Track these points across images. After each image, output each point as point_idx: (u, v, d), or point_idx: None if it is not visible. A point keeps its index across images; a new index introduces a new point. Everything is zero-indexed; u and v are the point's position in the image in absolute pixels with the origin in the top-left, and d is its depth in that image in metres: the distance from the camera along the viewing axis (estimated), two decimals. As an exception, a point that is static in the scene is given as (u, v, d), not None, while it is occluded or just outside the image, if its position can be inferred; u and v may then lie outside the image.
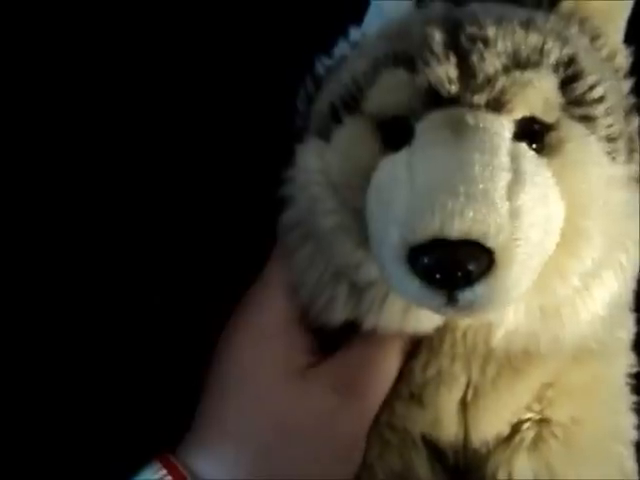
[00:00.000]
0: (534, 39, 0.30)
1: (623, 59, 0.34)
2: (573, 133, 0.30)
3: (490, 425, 0.34)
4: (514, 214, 0.27)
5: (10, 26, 0.43)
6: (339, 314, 0.33)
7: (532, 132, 0.29)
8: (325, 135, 0.33)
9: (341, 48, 0.35)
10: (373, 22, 0.35)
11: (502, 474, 0.34)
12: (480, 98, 0.29)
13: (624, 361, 0.36)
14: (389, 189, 0.29)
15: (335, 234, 0.32)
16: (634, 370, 0.36)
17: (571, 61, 0.30)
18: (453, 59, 0.29)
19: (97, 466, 0.40)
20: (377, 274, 0.31)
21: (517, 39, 0.30)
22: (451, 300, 0.27)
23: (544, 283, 0.30)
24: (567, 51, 0.30)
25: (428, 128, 0.29)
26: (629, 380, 0.36)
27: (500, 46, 0.29)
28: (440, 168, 0.28)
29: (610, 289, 0.31)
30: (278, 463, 0.34)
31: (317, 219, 0.32)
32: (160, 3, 0.44)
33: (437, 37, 0.30)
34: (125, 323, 0.43)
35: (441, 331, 0.33)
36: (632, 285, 0.33)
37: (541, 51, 0.30)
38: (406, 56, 0.30)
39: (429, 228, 0.26)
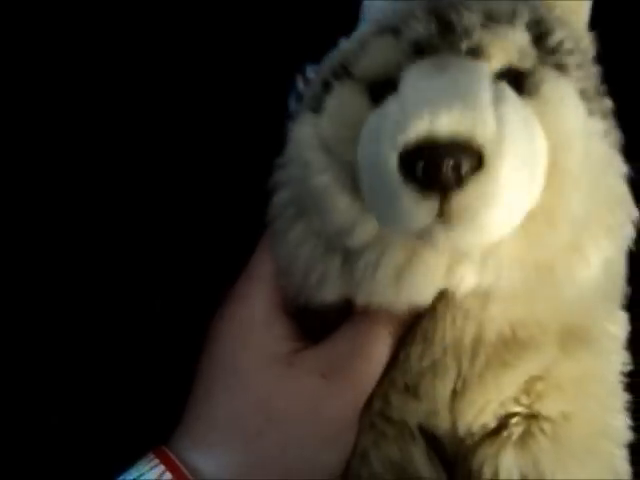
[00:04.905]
0: (506, 4, 0.32)
1: (588, 43, 0.35)
2: (549, 76, 0.31)
3: (476, 416, 0.33)
4: (500, 119, 0.28)
5: (10, 26, 0.43)
6: (332, 289, 0.33)
7: (510, 80, 0.31)
8: (317, 108, 0.33)
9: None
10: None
11: (488, 469, 0.33)
12: (460, 46, 0.31)
13: (617, 358, 0.36)
14: (378, 121, 0.30)
15: (329, 191, 0.32)
16: (628, 368, 0.36)
17: (541, 21, 0.32)
18: (433, 19, 0.32)
19: (92, 459, 0.40)
20: (372, 233, 0.31)
21: (490, 4, 0.32)
22: (444, 205, 0.27)
23: (535, 233, 0.30)
24: (536, 14, 0.32)
25: (413, 70, 0.30)
26: (623, 378, 0.36)
27: (475, 8, 0.32)
28: (427, 87, 0.29)
29: (602, 250, 0.31)
30: (266, 448, 0.34)
31: (311, 179, 0.32)
32: (160, 3, 0.44)
33: (418, 5, 0.32)
34: (123, 323, 0.43)
35: (433, 319, 0.33)
36: (624, 256, 0.33)
37: (513, 13, 0.32)
38: (391, 26, 0.32)
39: (419, 126, 0.27)
